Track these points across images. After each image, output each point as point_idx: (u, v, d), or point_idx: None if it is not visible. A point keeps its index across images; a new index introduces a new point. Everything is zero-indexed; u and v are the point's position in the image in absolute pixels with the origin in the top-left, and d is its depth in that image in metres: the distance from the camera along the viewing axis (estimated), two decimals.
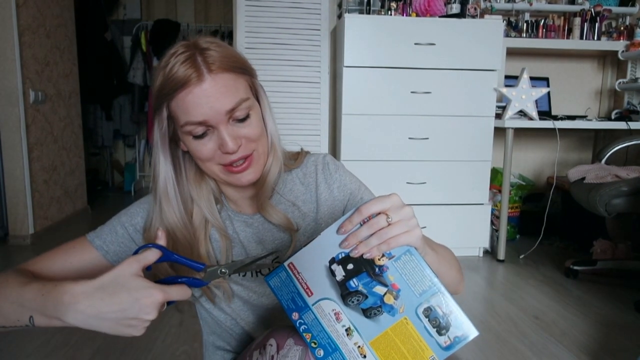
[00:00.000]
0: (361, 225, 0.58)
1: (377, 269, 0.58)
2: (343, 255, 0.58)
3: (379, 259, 0.58)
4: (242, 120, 0.70)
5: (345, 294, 0.58)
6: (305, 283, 0.60)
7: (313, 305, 0.60)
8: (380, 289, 0.58)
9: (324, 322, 0.59)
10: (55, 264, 0.74)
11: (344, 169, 0.84)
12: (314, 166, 0.83)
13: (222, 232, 0.79)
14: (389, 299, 0.57)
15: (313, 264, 0.59)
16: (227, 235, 0.79)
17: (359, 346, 0.58)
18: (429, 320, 0.57)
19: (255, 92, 0.75)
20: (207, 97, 0.66)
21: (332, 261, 0.59)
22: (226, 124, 0.69)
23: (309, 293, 0.60)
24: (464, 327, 0.57)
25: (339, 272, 0.58)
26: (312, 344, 0.60)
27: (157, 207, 0.75)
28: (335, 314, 0.59)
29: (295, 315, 0.60)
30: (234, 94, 0.68)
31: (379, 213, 0.58)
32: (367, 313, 0.58)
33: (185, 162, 0.78)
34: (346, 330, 0.59)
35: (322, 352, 0.59)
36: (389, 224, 0.57)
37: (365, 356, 0.58)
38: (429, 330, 0.57)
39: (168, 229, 0.74)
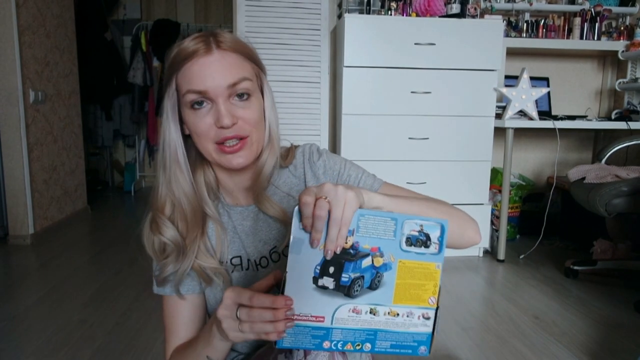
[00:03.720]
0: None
1: (351, 251, 0.60)
2: (318, 267, 0.59)
3: (346, 243, 0.60)
4: (242, 99, 0.72)
5: (347, 291, 0.60)
6: (311, 316, 0.60)
7: (332, 324, 0.61)
8: (367, 262, 0.60)
9: (351, 325, 0.61)
10: (182, 334, 0.82)
11: (328, 153, 0.85)
12: (302, 157, 0.85)
13: (215, 219, 0.80)
14: (378, 262, 0.60)
15: (303, 297, 0.60)
16: (220, 223, 0.81)
17: (388, 313, 0.61)
18: (414, 246, 0.61)
19: (260, 83, 0.77)
20: (211, 68, 0.69)
21: (315, 280, 0.59)
22: (226, 99, 0.71)
23: (321, 320, 0.61)
24: (436, 227, 0.61)
25: (328, 282, 0.59)
26: (357, 347, 0.62)
27: (166, 176, 0.76)
28: (352, 311, 0.61)
29: (326, 344, 0.61)
30: (238, 71, 0.71)
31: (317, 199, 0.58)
32: (372, 286, 0.61)
33: (186, 144, 0.80)
34: (370, 312, 0.61)
35: (369, 345, 0.62)
36: (330, 206, 0.57)
37: (397, 314, 0.62)
38: (420, 252, 0.61)
39: (180, 198, 0.76)
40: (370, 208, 0.64)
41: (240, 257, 0.82)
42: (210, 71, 0.69)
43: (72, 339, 1.73)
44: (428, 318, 0.63)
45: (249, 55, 0.74)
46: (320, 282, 0.59)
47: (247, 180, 0.81)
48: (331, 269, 0.59)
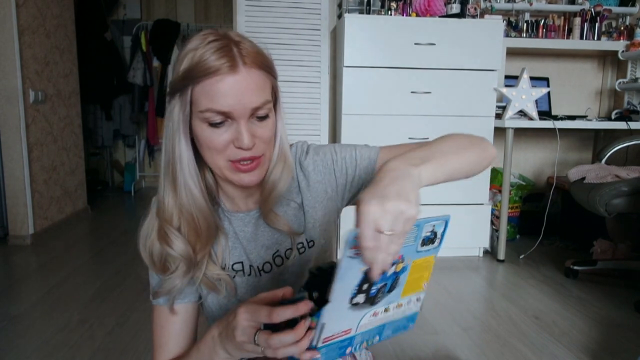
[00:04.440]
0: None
1: None
2: (356, 288, 0.57)
3: None
4: (262, 119, 0.70)
5: (372, 300, 0.60)
6: (342, 332, 0.61)
7: (356, 330, 0.62)
8: (391, 270, 0.59)
9: (369, 327, 0.63)
10: (171, 346, 0.81)
11: (315, 148, 0.83)
12: (294, 156, 0.83)
13: (219, 226, 0.79)
14: (399, 267, 0.60)
15: (339, 319, 0.59)
16: (222, 229, 0.80)
17: (396, 306, 0.65)
18: (425, 245, 0.61)
19: (275, 96, 0.75)
20: (237, 89, 0.66)
21: (351, 299, 0.58)
22: (247, 119, 0.68)
23: (348, 332, 0.61)
24: (442, 223, 0.62)
25: (361, 298, 0.59)
26: (369, 342, 0.65)
27: (177, 192, 0.73)
28: (372, 315, 0.62)
29: (348, 350, 0.63)
30: (262, 93, 0.69)
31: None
32: (391, 289, 0.61)
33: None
34: (385, 310, 0.63)
35: (377, 337, 0.66)
36: (392, 234, 0.52)
37: (402, 305, 0.65)
38: (428, 249, 0.62)
39: (195, 215, 0.74)
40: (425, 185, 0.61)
41: (242, 262, 0.81)
42: (236, 92, 0.66)
43: (72, 339, 1.73)
44: (419, 299, 0.67)
45: (269, 68, 0.72)
46: (355, 300, 0.58)
47: (251, 189, 0.79)
48: (365, 286, 0.58)
